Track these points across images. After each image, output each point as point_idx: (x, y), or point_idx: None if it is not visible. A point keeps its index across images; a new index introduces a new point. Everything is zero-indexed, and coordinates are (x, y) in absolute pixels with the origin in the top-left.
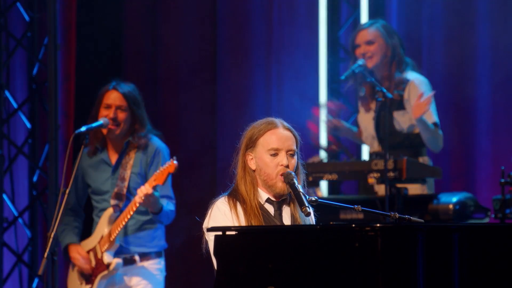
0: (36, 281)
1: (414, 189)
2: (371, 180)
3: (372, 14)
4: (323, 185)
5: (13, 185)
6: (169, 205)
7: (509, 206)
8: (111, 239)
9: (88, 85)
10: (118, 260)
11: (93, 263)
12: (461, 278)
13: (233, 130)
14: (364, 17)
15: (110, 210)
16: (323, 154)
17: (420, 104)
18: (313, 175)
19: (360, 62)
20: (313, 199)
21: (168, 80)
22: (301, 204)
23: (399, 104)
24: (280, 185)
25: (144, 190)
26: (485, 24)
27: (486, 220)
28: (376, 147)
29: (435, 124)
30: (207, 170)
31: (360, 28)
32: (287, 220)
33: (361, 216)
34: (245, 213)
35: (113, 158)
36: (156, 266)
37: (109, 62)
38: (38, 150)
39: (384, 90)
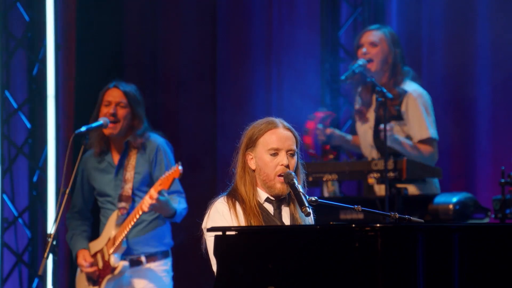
0: (36, 281)
1: (419, 189)
2: (371, 180)
3: (372, 14)
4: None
5: (13, 185)
6: (181, 204)
7: (509, 206)
8: (118, 242)
9: (88, 85)
10: (125, 263)
11: (100, 265)
12: (461, 278)
13: (233, 130)
14: (364, 18)
15: (117, 212)
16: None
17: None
18: (313, 175)
19: (360, 62)
20: (313, 199)
21: (168, 80)
22: (301, 204)
23: (397, 115)
24: (279, 186)
25: (149, 200)
26: (485, 24)
27: (486, 220)
28: (375, 155)
29: (429, 139)
30: (207, 170)
31: (366, 29)
32: (286, 219)
33: (361, 216)
34: (245, 212)
35: (116, 159)
36: (163, 268)
37: (109, 62)
38: (38, 150)
39: (384, 90)
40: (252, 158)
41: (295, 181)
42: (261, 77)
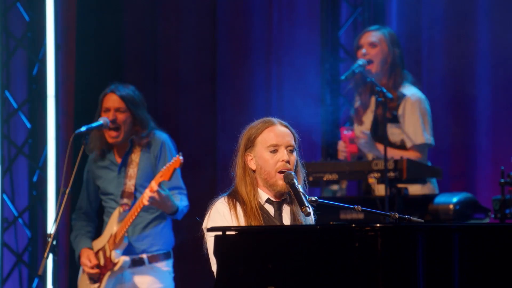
0: (36, 281)
1: (421, 189)
2: (371, 180)
3: (372, 14)
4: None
5: (13, 185)
6: (182, 201)
7: (509, 206)
8: (119, 238)
9: (88, 85)
10: (125, 258)
11: (102, 262)
12: (461, 278)
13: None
14: (364, 18)
15: (119, 209)
16: None
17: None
18: (313, 175)
19: (360, 62)
20: (313, 199)
21: (168, 80)
22: (301, 204)
23: (393, 118)
24: (281, 183)
25: (149, 192)
26: (485, 24)
27: (486, 220)
28: (370, 156)
29: (422, 145)
30: (207, 170)
31: (366, 30)
32: (287, 221)
33: (361, 216)
34: (245, 214)
35: (119, 157)
36: (165, 269)
37: (109, 62)
38: (38, 150)
39: (384, 90)
40: (251, 158)
41: (295, 181)
42: (261, 77)
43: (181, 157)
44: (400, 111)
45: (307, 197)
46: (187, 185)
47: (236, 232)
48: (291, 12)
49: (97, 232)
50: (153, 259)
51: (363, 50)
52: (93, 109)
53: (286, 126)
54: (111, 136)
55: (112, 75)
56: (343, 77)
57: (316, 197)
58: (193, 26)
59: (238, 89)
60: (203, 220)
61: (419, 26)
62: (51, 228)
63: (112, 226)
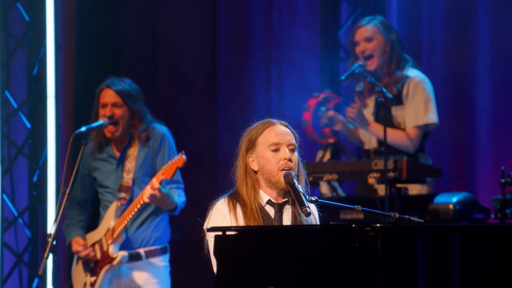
0: (36, 281)
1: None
2: (371, 180)
3: (372, 14)
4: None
5: (13, 185)
6: (180, 196)
7: (509, 206)
8: (117, 232)
9: (88, 85)
10: (124, 253)
11: (99, 255)
12: (461, 278)
13: (233, 130)
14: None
15: (116, 203)
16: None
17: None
18: (313, 175)
19: (360, 62)
20: (313, 199)
21: (168, 80)
22: (301, 204)
23: (397, 99)
24: (284, 181)
25: (150, 190)
26: (485, 24)
27: (486, 220)
28: (374, 143)
29: (425, 126)
30: (207, 170)
31: (358, 25)
32: (287, 222)
33: (361, 216)
34: (245, 216)
35: (117, 150)
36: (162, 263)
37: (109, 62)
38: (38, 150)
39: (384, 90)
40: (253, 159)
41: (295, 181)
42: (261, 77)
43: (184, 156)
44: (404, 92)
45: (307, 197)
46: (187, 185)
47: (236, 232)
48: (291, 12)
49: (91, 222)
50: (150, 254)
51: (362, 50)
52: (93, 109)
53: (286, 126)
54: (109, 131)
55: (112, 75)
56: (343, 77)
57: (316, 197)
58: (193, 26)
59: (238, 89)
60: (203, 219)
61: (419, 26)
62: (51, 228)
63: (109, 220)
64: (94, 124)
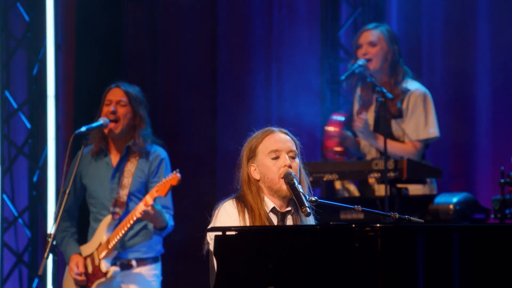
0: (36, 281)
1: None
2: (371, 180)
3: (372, 14)
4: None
5: (13, 185)
6: (169, 220)
7: (509, 206)
8: (109, 247)
9: (88, 85)
10: (116, 268)
11: (90, 269)
12: (461, 278)
13: (233, 130)
14: (364, 18)
15: (109, 218)
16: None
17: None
18: (313, 175)
19: (360, 62)
20: (313, 199)
21: (168, 80)
22: (301, 204)
23: (398, 113)
24: (285, 188)
25: (143, 206)
26: (485, 24)
27: (486, 220)
28: (374, 154)
29: (426, 140)
30: (207, 170)
31: (364, 29)
32: None
33: (361, 216)
34: (252, 221)
35: (114, 161)
36: (152, 272)
37: (109, 62)
38: (38, 150)
39: (384, 90)
40: (255, 169)
41: (295, 181)
42: (261, 77)
43: (178, 174)
44: (404, 106)
45: (307, 197)
46: (187, 185)
47: (236, 232)
48: (291, 12)
49: (82, 233)
50: (141, 263)
51: (364, 53)
52: (93, 109)
53: (286, 134)
54: (109, 127)
55: (112, 75)
56: (343, 77)
57: (316, 197)
58: (193, 26)
59: (238, 89)
60: (203, 220)
61: (419, 26)
62: (51, 228)
63: (102, 235)
64: (94, 124)
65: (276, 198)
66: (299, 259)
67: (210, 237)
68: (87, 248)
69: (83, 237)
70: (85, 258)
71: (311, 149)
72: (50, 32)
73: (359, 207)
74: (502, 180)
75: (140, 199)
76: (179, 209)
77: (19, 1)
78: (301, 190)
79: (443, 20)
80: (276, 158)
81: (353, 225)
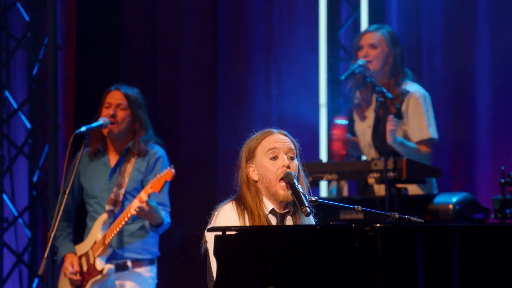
0: (36, 281)
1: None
2: (371, 180)
3: (372, 14)
4: (323, 185)
5: (13, 185)
6: (166, 217)
7: (509, 206)
8: (104, 245)
9: (88, 85)
10: (110, 266)
11: (85, 268)
12: (461, 278)
13: (233, 130)
14: (364, 18)
15: (104, 216)
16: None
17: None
18: (313, 175)
19: (360, 62)
20: (313, 199)
21: (168, 80)
22: (301, 204)
23: (397, 114)
24: (282, 193)
25: (138, 203)
26: (485, 24)
27: (486, 220)
28: (373, 154)
29: (429, 140)
30: (207, 170)
31: (366, 30)
32: None
33: (361, 216)
34: (252, 224)
35: (112, 162)
36: (148, 274)
37: (109, 62)
38: (38, 150)
39: (384, 90)
40: (253, 169)
41: (295, 181)
42: (261, 77)
43: (173, 170)
44: (404, 107)
45: (307, 197)
46: (187, 185)
47: (236, 232)
48: (291, 11)
49: (79, 234)
50: (136, 265)
51: (365, 55)
52: (93, 109)
53: (285, 135)
54: (108, 127)
55: (112, 74)
56: (343, 77)
57: (316, 197)
58: (193, 25)
59: (238, 89)
60: (202, 221)
61: (419, 26)
62: (51, 228)
63: (97, 233)
64: (94, 124)
65: (273, 200)
66: (299, 259)
67: (208, 236)
68: (82, 247)
69: (79, 238)
70: (80, 257)
71: (311, 149)
72: (50, 32)
73: (359, 207)
74: (503, 180)
75: (135, 197)
76: (179, 209)
77: (19, 1)
78: (301, 190)
79: (443, 20)
80: (275, 158)
81: (353, 225)
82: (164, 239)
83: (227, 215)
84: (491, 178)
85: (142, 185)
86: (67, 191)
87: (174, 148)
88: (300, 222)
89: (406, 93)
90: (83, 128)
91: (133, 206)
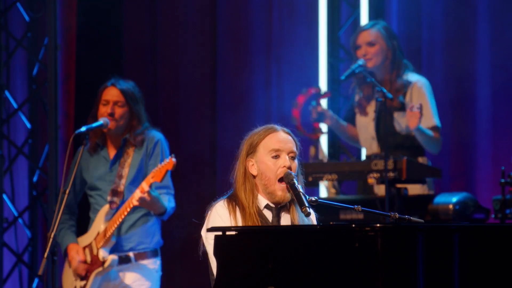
0: (36, 281)
1: (415, 189)
2: (371, 180)
3: (372, 14)
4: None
5: (13, 185)
6: (170, 202)
7: (509, 206)
8: (107, 236)
9: (88, 85)
10: (114, 257)
11: (89, 259)
12: (461, 278)
13: (233, 130)
14: (364, 17)
15: (106, 207)
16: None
17: (414, 114)
18: (313, 175)
19: (360, 62)
20: (313, 199)
21: (168, 80)
22: (301, 204)
23: (401, 106)
24: (280, 194)
25: (140, 193)
26: (485, 24)
27: (486, 220)
28: (375, 148)
29: (435, 127)
30: (207, 170)
31: (361, 29)
32: None
33: (361, 216)
34: (244, 219)
35: (112, 154)
36: (152, 266)
37: (109, 62)
38: (38, 150)
39: (384, 90)
40: (253, 164)
41: (295, 181)
42: (261, 77)
43: (174, 159)
44: (407, 98)
45: (307, 197)
46: (187, 185)
47: (236, 232)
48: (291, 11)
49: (82, 227)
50: (139, 257)
51: (363, 53)
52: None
53: (288, 133)
54: (108, 126)
55: (112, 75)
56: (343, 77)
57: (316, 197)
58: (193, 25)
59: (238, 88)
60: (201, 221)
61: (419, 26)
62: (51, 228)
63: (99, 224)
64: (94, 124)
65: (269, 197)
66: (299, 259)
67: (206, 237)
68: (85, 239)
69: (83, 232)
70: (83, 248)
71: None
72: (50, 32)
73: (359, 207)
74: (503, 180)
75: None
76: (179, 209)
77: (19, 1)
78: (301, 190)
79: (443, 20)
80: (277, 157)
81: (353, 225)
82: (164, 239)
83: (219, 214)
84: (491, 178)
85: (144, 172)
86: (67, 191)
87: (174, 148)
88: (296, 217)
89: (408, 84)
90: (83, 128)
91: (135, 197)
